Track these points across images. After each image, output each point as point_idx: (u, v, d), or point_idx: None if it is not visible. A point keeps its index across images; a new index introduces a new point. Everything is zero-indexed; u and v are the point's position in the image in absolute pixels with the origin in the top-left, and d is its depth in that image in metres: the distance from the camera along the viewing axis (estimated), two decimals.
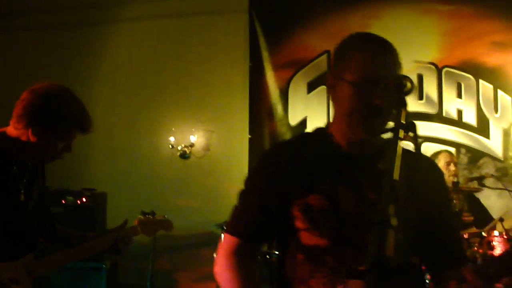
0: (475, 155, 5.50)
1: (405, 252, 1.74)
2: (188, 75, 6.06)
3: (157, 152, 6.03)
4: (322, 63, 5.84)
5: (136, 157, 6.04)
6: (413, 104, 5.50)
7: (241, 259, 1.87)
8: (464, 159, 5.52)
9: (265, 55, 5.97)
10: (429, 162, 2.05)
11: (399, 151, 1.53)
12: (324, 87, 5.80)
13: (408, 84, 1.61)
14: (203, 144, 5.95)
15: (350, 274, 1.69)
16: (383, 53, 1.79)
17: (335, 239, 1.78)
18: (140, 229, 2.94)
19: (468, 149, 5.51)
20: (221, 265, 1.88)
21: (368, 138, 1.79)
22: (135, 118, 6.10)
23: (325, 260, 1.78)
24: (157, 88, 6.08)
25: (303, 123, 5.85)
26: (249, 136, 5.87)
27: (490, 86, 5.50)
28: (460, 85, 5.58)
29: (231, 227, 1.91)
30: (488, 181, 5.05)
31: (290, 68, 5.92)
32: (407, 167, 1.78)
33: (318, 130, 1.97)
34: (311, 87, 5.86)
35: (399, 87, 1.61)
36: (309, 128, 5.75)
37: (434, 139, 5.57)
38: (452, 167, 4.66)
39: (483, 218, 4.61)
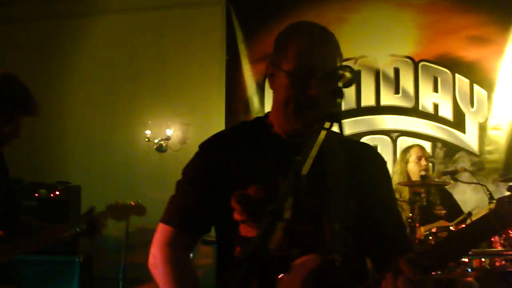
0: (451, 150, 5.49)
1: (343, 242, 1.74)
2: (164, 68, 6.04)
3: (133, 146, 6.01)
4: None
5: (112, 150, 6.01)
6: (389, 98, 5.53)
7: (176, 251, 1.81)
8: (440, 153, 5.52)
9: (241, 48, 5.95)
10: (371, 151, 2.00)
11: (319, 141, 1.45)
12: None
13: (347, 74, 1.54)
14: (179, 137, 5.93)
15: None
16: (321, 43, 1.75)
17: None
18: (109, 213, 2.95)
19: (444, 143, 5.51)
20: (155, 257, 1.81)
21: (304, 129, 1.74)
22: (111, 112, 6.08)
23: None
24: (134, 82, 6.06)
25: None
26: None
27: (467, 81, 5.50)
28: (437, 79, 5.56)
29: (167, 217, 1.83)
30: (463, 175, 5.08)
31: (266, 62, 5.86)
32: (347, 157, 1.81)
33: (257, 119, 1.94)
34: None
35: (335, 78, 1.54)
36: None
37: (410, 133, 5.57)
38: (423, 162, 4.63)
39: (455, 212, 4.59)
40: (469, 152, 5.44)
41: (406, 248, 1.80)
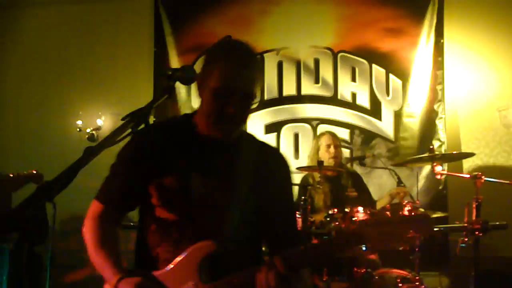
0: (368, 136, 5.76)
1: (244, 231, 2.06)
2: (95, 60, 6.17)
3: (65, 136, 6.12)
4: None
5: (44, 140, 6.13)
6: (310, 88, 5.77)
7: (103, 223, 2.11)
8: (357, 140, 5.78)
9: (169, 40, 6.11)
10: (277, 154, 2.30)
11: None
12: None
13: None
14: (110, 127, 6.08)
15: (189, 246, 2.00)
16: (244, 67, 1.99)
17: (181, 215, 2.05)
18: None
19: (362, 130, 5.77)
20: (86, 227, 2.12)
21: (223, 139, 2.06)
22: (43, 102, 6.20)
23: (171, 232, 2.05)
24: (65, 73, 6.18)
25: None
26: (154, 119, 6.02)
27: (383, 70, 5.76)
28: (355, 69, 5.82)
29: (98, 194, 2.13)
30: (378, 161, 5.36)
31: (193, 53, 6.06)
32: (256, 158, 2.15)
33: (185, 117, 2.20)
34: None
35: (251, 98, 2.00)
36: None
37: (329, 121, 5.81)
38: (332, 149, 4.85)
39: (365, 194, 4.85)
40: (385, 139, 5.71)
41: (296, 243, 2.10)
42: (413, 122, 5.67)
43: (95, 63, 6.18)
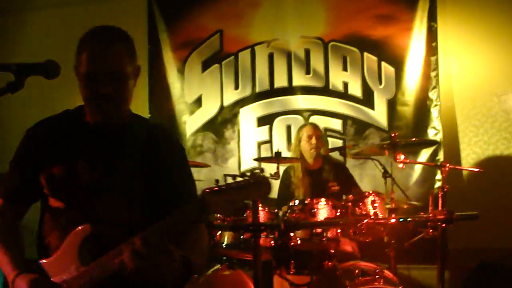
0: (361, 126, 5.62)
1: (133, 214, 2.10)
2: None
3: None
4: (215, 42, 6.03)
5: None
6: (301, 79, 5.70)
7: (2, 218, 2.22)
8: (350, 130, 5.66)
9: (163, 36, 6.15)
10: (165, 134, 2.35)
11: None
12: (217, 65, 6.01)
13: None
14: None
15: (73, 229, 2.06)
16: (106, 47, 2.04)
17: (69, 203, 2.12)
18: None
19: (354, 120, 5.64)
20: None
21: (105, 121, 2.11)
22: (46, 103, 6.34)
23: (60, 220, 2.12)
24: (66, 75, 6.29)
25: (199, 100, 6.05)
26: (149, 115, 6.11)
27: (375, 58, 5.61)
28: (346, 58, 5.69)
29: None
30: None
31: (186, 48, 6.11)
32: (143, 139, 2.20)
33: (77, 108, 2.27)
34: (205, 66, 6.04)
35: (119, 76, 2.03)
36: (204, 105, 5.95)
37: (321, 111, 5.71)
38: (313, 140, 4.77)
39: (347, 186, 4.75)
40: (379, 128, 5.57)
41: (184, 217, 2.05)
42: (407, 110, 5.51)
43: None
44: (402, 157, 3.84)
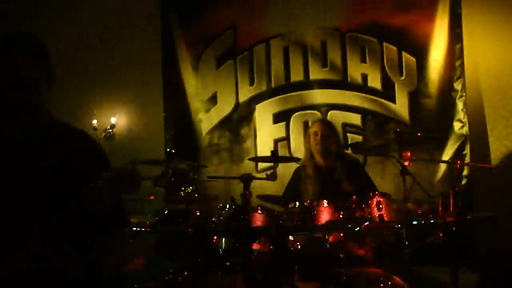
0: (382, 121, 5.33)
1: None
2: (107, 58, 6.19)
3: None
4: (228, 38, 5.85)
5: None
6: (318, 72, 5.45)
7: None
8: (370, 125, 5.38)
9: (177, 33, 6.03)
10: (83, 137, 2.20)
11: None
12: (231, 61, 5.82)
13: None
14: (124, 124, 6.13)
15: None
16: (6, 55, 1.97)
17: None
18: None
19: (374, 114, 5.35)
20: None
21: (23, 127, 2.03)
22: (59, 103, 6.27)
23: None
24: (79, 74, 6.22)
25: (214, 97, 5.90)
26: (164, 114, 5.99)
27: (394, 48, 5.31)
28: (364, 49, 5.40)
29: None
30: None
31: (200, 45, 5.96)
32: (61, 144, 2.08)
33: None
34: (219, 62, 5.88)
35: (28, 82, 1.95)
36: (219, 102, 5.79)
37: (340, 106, 5.45)
38: (318, 137, 4.55)
39: (362, 184, 4.47)
40: (400, 122, 5.24)
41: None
42: (430, 102, 5.17)
43: (107, 62, 6.19)
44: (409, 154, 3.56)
